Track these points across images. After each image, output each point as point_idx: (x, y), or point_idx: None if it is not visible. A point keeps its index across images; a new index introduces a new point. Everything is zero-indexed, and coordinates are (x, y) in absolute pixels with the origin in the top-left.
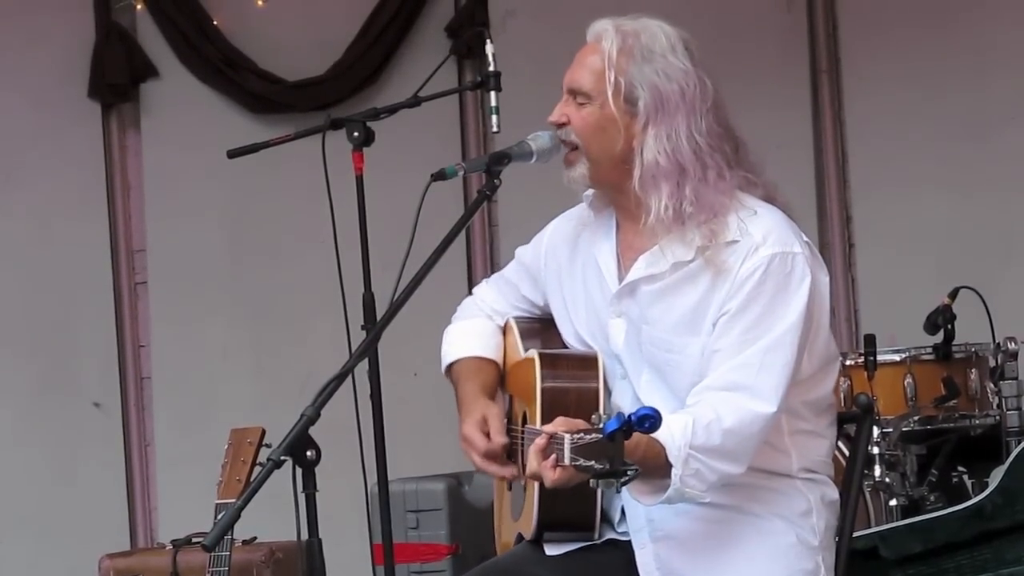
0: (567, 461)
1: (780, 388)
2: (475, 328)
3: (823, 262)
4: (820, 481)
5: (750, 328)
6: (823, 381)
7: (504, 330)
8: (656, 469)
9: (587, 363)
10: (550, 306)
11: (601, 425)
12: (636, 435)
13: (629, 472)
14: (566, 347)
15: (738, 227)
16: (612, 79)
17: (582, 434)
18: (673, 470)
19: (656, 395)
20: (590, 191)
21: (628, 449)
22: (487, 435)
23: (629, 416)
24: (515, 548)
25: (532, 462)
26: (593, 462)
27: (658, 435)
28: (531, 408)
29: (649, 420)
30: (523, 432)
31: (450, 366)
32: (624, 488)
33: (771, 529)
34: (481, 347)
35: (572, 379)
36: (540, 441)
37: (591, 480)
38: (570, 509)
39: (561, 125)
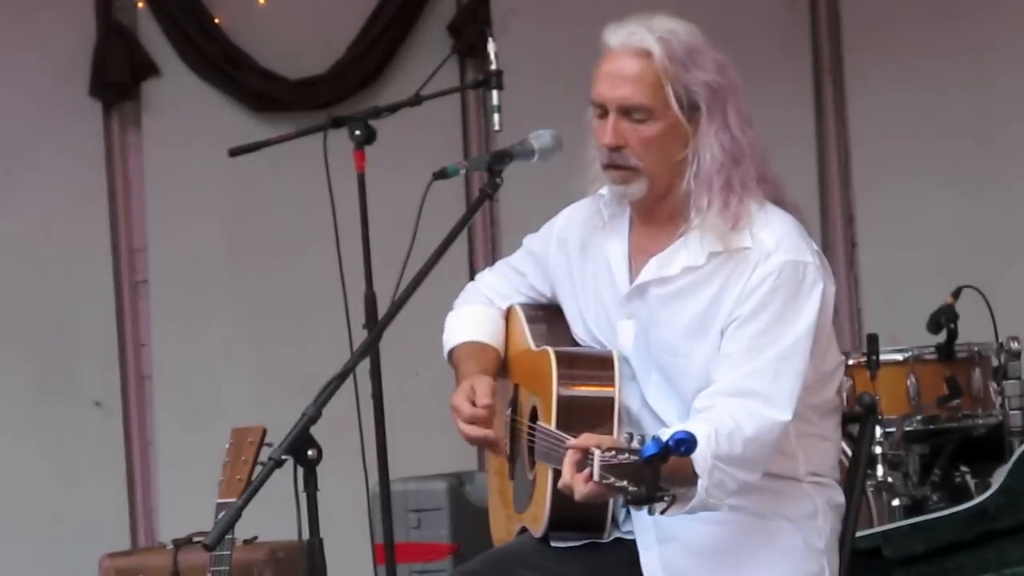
0: (596, 478)
1: (794, 396)
2: (476, 314)
3: (831, 271)
4: (827, 485)
5: (761, 334)
6: (827, 385)
7: (508, 316)
8: (681, 480)
9: (604, 364)
10: (559, 298)
11: (638, 447)
12: None
13: (666, 499)
14: (575, 341)
15: (750, 233)
16: (672, 90)
17: (614, 452)
18: (700, 482)
19: (664, 398)
20: (604, 189)
21: None
22: (473, 403)
23: (667, 442)
24: (521, 537)
25: (566, 473)
26: (626, 482)
27: None
28: (544, 406)
29: (685, 444)
30: (532, 428)
31: (451, 352)
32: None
33: (777, 531)
34: (482, 333)
35: (588, 380)
36: (575, 456)
37: (623, 499)
38: (582, 511)
39: (619, 148)
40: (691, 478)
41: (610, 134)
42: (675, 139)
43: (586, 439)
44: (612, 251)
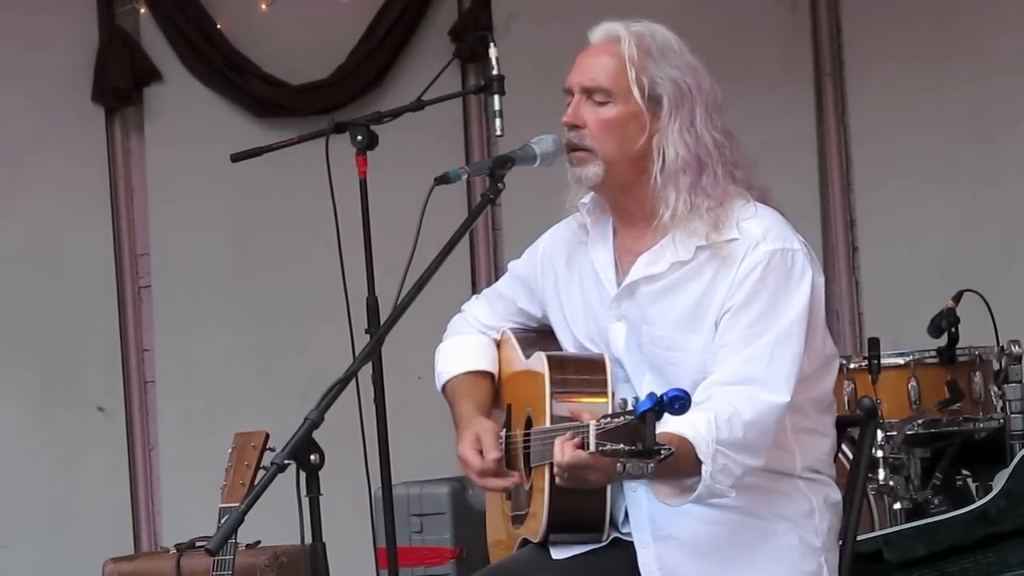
0: (592, 447)
1: (791, 379)
2: (468, 343)
3: (819, 262)
4: (822, 482)
5: (755, 322)
6: (823, 378)
7: (500, 343)
8: (685, 468)
9: (594, 365)
10: (548, 316)
11: (631, 408)
12: (667, 433)
13: (663, 452)
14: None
15: (737, 226)
16: (635, 77)
17: (608, 419)
18: (704, 467)
19: None
20: (587, 199)
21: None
22: (480, 452)
23: (661, 396)
24: (520, 552)
25: (557, 450)
26: (622, 444)
27: (685, 432)
28: (539, 411)
29: (679, 401)
30: (527, 436)
31: (445, 385)
32: (649, 491)
33: (774, 530)
34: (475, 361)
35: (580, 384)
36: (569, 435)
37: (619, 464)
38: (581, 509)
39: (575, 127)
40: (695, 467)
41: (570, 113)
42: (634, 126)
43: (577, 412)
44: (598, 257)
